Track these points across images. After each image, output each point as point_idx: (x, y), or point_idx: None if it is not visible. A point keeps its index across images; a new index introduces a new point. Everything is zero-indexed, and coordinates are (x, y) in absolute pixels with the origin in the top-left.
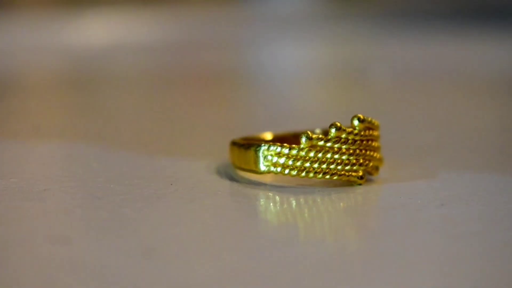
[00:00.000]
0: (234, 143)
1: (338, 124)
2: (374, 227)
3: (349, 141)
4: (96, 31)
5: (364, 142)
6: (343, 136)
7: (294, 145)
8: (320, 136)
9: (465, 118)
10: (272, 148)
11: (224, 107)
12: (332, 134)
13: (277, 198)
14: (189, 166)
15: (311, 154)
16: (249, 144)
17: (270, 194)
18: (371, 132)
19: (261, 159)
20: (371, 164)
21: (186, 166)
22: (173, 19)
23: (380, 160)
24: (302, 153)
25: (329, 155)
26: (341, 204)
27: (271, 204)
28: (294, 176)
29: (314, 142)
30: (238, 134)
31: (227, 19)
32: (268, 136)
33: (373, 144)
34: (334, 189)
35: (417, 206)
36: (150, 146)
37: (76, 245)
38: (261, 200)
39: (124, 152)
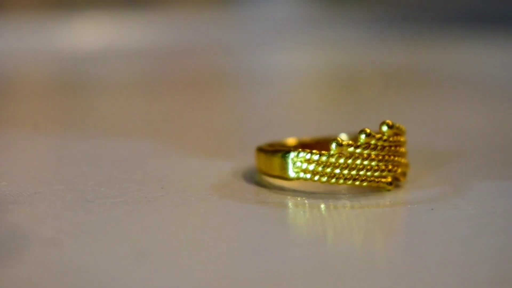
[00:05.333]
0: (260, 150)
1: (368, 130)
2: (364, 231)
3: (378, 147)
4: (87, 35)
5: (393, 148)
6: (373, 142)
7: (324, 152)
8: (350, 142)
9: (454, 122)
10: (301, 154)
11: (217, 112)
12: (361, 140)
13: (272, 200)
14: (180, 169)
15: (341, 160)
16: (277, 151)
17: (265, 197)
18: (398, 138)
19: (290, 165)
20: (399, 170)
21: (177, 169)
22: (165, 23)
23: (406, 165)
24: (332, 160)
25: (358, 161)
26: (330, 210)
27: (264, 207)
28: (323, 182)
29: (344, 148)
30: (230, 138)
31: (220, 23)
32: (293, 142)
33: (400, 149)
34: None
35: (407, 210)
36: (141, 150)
37: (67, 249)
38: (254, 203)
39: (115, 156)
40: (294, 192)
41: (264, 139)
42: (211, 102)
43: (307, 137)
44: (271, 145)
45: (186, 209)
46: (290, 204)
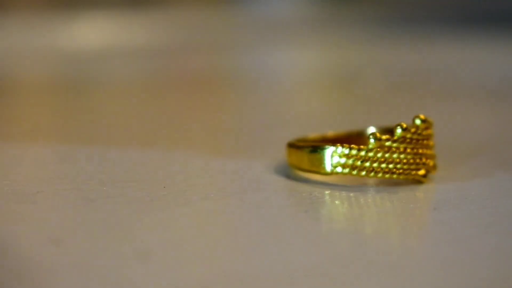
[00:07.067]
0: (292, 145)
1: (404, 125)
2: (364, 232)
3: (413, 141)
4: (88, 35)
5: (425, 141)
6: (408, 136)
7: (362, 146)
8: (388, 136)
9: (456, 122)
10: (340, 149)
11: (219, 111)
12: (398, 134)
13: (275, 200)
14: (182, 169)
15: (379, 155)
16: (314, 146)
17: (268, 196)
18: (429, 131)
19: (328, 160)
20: (431, 163)
21: (179, 169)
22: (167, 23)
23: (435, 158)
24: (371, 154)
25: (395, 155)
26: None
27: (266, 206)
28: (362, 176)
29: (383, 142)
30: (233, 138)
31: (223, 22)
32: (317, 137)
33: (430, 143)
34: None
35: (410, 210)
36: (143, 149)
37: (69, 248)
38: (257, 202)
39: (117, 155)
40: (295, 190)
41: (267, 139)
42: (214, 101)
43: (334, 132)
44: (300, 140)
45: (188, 208)
46: (291, 203)
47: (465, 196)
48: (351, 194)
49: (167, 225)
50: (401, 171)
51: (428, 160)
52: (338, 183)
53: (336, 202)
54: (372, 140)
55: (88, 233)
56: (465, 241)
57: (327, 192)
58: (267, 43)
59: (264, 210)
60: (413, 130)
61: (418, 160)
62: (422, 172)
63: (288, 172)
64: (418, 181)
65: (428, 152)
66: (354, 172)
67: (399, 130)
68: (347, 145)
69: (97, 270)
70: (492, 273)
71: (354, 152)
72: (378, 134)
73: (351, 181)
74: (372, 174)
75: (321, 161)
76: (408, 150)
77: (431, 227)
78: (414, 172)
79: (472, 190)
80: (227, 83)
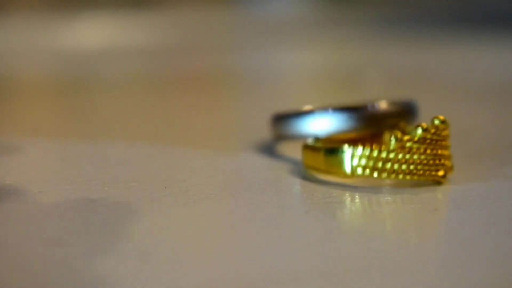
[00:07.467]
0: (307, 147)
1: (425, 126)
2: (366, 232)
3: (433, 142)
4: (89, 34)
5: (443, 142)
6: (428, 136)
7: (383, 147)
8: (409, 137)
9: (456, 123)
10: (360, 150)
11: (220, 111)
12: (418, 135)
13: (277, 202)
14: (183, 169)
15: (400, 155)
16: (332, 147)
17: (270, 196)
18: (446, 132)
19: (348, 162)
20: (449, 163)
21: (180, 169)
22: (167, 22)
23: (452, 158)
24: (392, 155)
25: (415, 156)
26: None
27: (269, 207)
28: (383, 178)
29: (403, 143)
30: (234, 138)
31: (223, 22)
32: (335, 137)
33: (447, 143)
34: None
35: (410, 210)
36: (144, 149)
37: (70, 248)
38: (258, 203)
39: (118, 155)
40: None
41: (268, 138)
42: (215, 101)
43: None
44: (317, 141)
45: (189, 208)
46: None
47: (466, 196)
48: (355, 195)
49: (168, 225)
50: (421, 172)
51: (446, 161)
52: (342, 184)
53: (340, 203)
54: (393, 141)
55: (88, 233)
56: (466, 242)
57: (331, 192)
58: (268, 43)
59: (265, 210)
60: (433, 130)
61: (437, 161)
62: (441, 173)
63: (290, 171)
64: (437, 182)
65: (446, 153)
66: (375, 174)
67: (419, 131)
68: (368, 146)
69: (97, 270)
70: (493, 273)
71: (375, 153)
72: (399, 134)
73: (356, 182)
74: (393, 175)
75: (340, 163)
76: (428, 151)
77: (432, 227)
78: (434, 173)
79: (474, 190)
80: (228, 83)
